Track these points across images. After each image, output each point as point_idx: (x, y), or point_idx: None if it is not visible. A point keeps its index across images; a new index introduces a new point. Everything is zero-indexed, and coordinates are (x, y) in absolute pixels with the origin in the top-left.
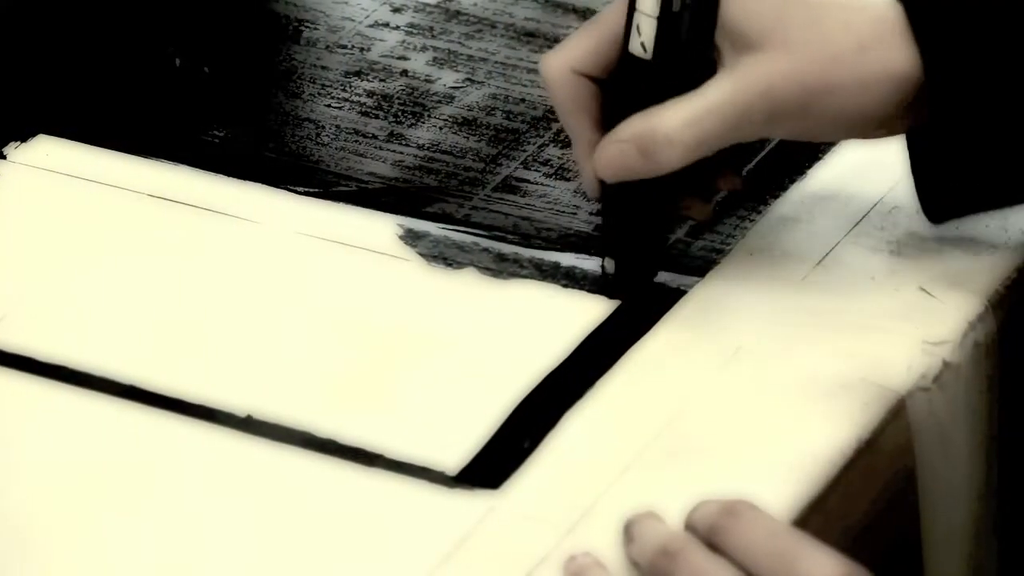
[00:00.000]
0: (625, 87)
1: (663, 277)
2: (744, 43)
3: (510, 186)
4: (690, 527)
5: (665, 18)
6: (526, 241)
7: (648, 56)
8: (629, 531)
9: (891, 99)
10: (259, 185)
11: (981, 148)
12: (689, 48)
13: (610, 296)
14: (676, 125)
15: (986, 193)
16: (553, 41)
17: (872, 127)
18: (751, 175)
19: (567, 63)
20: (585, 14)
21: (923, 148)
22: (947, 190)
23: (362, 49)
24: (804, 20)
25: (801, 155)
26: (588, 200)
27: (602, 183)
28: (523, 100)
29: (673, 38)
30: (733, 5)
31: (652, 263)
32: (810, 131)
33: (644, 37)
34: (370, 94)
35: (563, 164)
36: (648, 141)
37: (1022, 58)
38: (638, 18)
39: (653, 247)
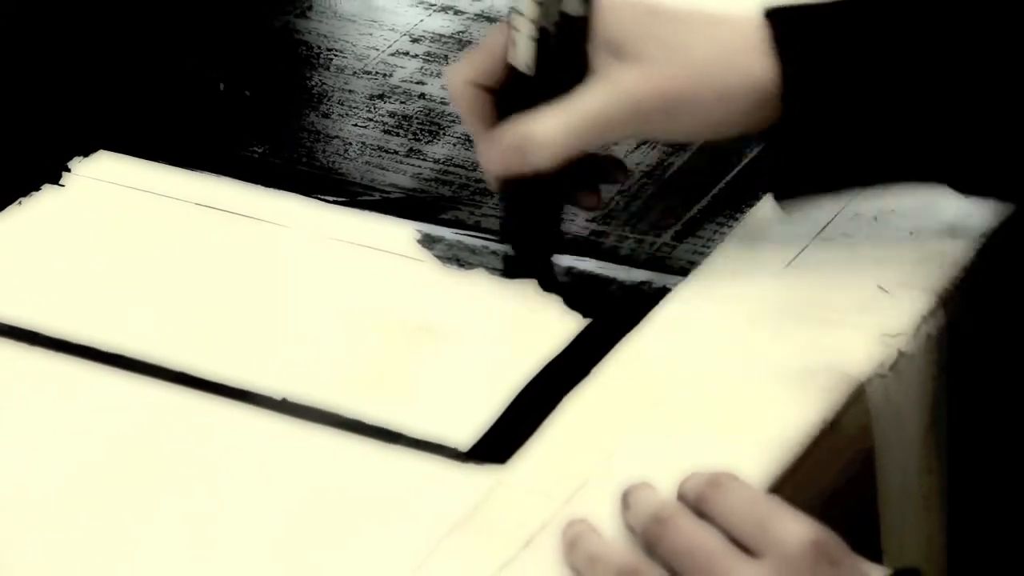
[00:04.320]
0: (510, 96)
1: (651, 277)
2: (614, 53)
3: None
4: (681, 497)
5: (540, 37)
6: None
7: (526, 70)
8: (626, 499)
9: (750, 107)
10: (293, 195)
11: (826, 144)
12: (561, 62)
13: (510, 276)
14: (548, 130)
15: (828, 180)
16: None
17: (733, 131)
18: (729, 186)
19: (465, 76)
20: None
21: (775, 144)
22: (795, 179)
23: (385, 75)
24: (671, 34)
25: None
26: (583, 208)
27: (502, 180)
28: None
29: (546, 54)
30: (605, 16)
31: (547, 247)
32: (675, 134)
33: (522, 53)
34: (392, 114)
35: None
36: (524, 143)
37: (867, 69)
38: (517, 37)
39: (547, 233)
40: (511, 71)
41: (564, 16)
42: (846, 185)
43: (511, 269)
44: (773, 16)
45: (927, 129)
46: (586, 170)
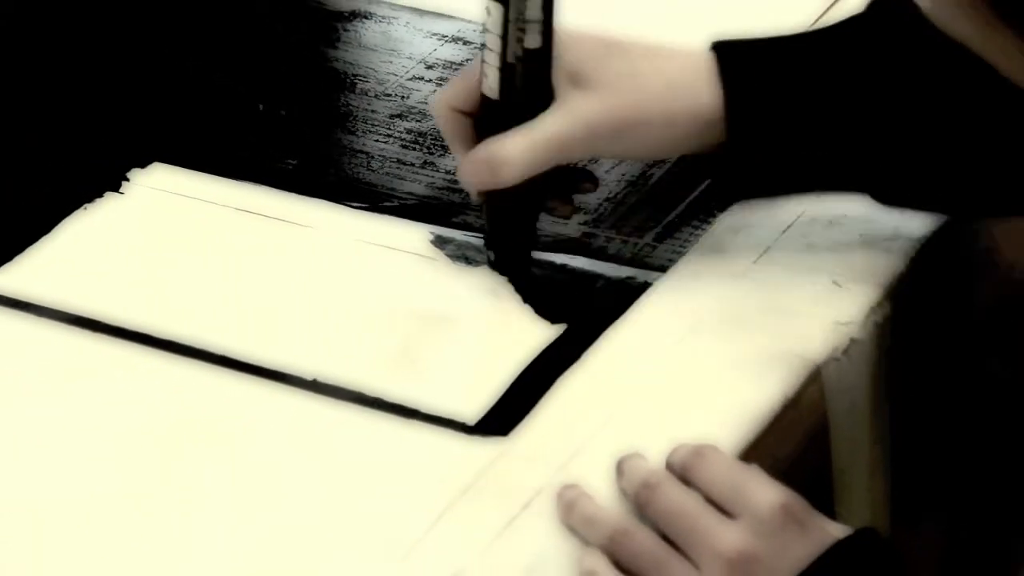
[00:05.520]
0: (483, 120)
1: (634, 273)
2: (574, 82)
3: None
4: (668, 465)
5: (504, 69)
6: None
7: (494, 96)
8: (620, 467)
9: (695, 130)
10: (323, 201)
11: (764, 160)
12: (525, 90)
13: (499, 272)
14: (512, 150)
15: (766, 189)
16: None
17: (677, 151)
18: (704, 194)
19: (446, 102)
20: None
21: (721, 164)
22: (738, 188)
23: (403, 97)
24: (624, 65)
25: None
26: (557, 217)
27: (481, 193)
28: None
29: (511, 83)
30: (566, 49)
31: (524, 251)
32: (624, 153)
33: (490, 82)
34: (409, 131)
35: None
36: (492, 162)
37: (799, 97)
38: (486, 69)
39: (524, 239)
40: (484, 98)
41: (526, 50)
42: (780, 193)
43: (495, 269)
44: (719, 49)
45: (849, 149)
46: (559, 182)
